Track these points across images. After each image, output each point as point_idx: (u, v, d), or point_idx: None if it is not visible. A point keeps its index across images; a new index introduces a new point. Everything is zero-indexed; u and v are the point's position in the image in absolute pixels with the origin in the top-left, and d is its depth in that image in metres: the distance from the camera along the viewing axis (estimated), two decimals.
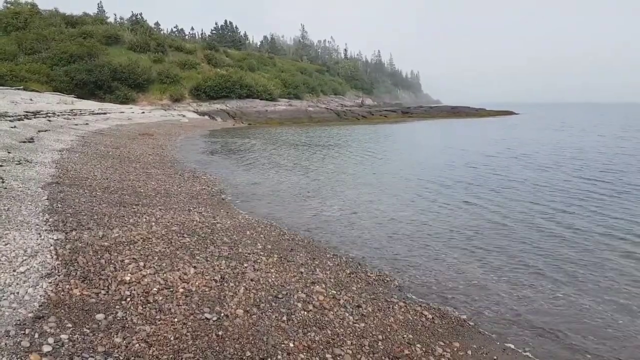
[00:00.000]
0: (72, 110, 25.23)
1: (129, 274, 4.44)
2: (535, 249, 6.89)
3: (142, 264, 4.76)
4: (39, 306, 3.52)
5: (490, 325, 4.55)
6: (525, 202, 10.06)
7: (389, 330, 4.20)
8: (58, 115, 21.21)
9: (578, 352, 4.13)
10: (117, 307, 3.80)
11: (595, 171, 14.38)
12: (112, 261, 4.71)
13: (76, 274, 4.23)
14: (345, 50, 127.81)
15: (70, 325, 3.35)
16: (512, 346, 4.17)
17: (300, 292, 4.69)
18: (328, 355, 3.61)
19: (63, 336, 3.17)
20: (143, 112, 34.58)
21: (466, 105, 75.81)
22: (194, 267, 4.92)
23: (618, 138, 27.92)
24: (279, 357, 3.48)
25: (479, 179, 13.12)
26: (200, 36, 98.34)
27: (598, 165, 15.63)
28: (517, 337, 4.35)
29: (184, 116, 37.43)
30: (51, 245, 4.78)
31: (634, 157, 17.95)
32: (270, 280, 4.91)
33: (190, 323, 3.72)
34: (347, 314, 4.37)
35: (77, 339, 3.19)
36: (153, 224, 6.47)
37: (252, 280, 4.83)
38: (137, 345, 3.28)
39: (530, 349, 4.13)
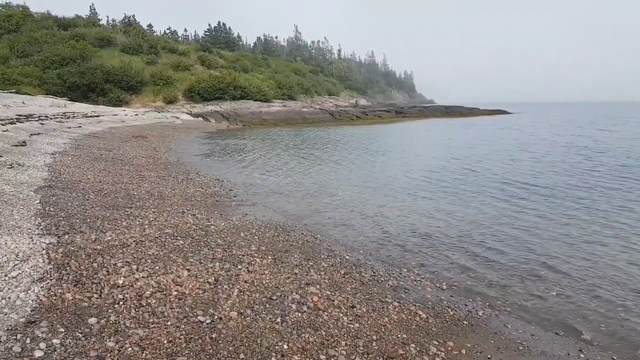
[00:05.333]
0: (64, 113, 25.05)
1: (121, 278, 4.43)
2: (529, 249, 6.94)
3: (135, 267, 4.75)
4: (31, 311, 3.50)
5: (484, 325, 4.57)
6: (516, 200, 10.12)
7: (383, 330, 4.20)
8: (51, 119, 21.06)
9: (573, 350, 4.16)
10: (110, 310, 3.78)
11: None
12: (105, 264, 4.69)
13: (68, 278, 4.21)
14: (339, 50, 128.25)
15: (62, 329, 3.33)
16: (506, 345, 4.20)
17: (294, 294, 4.69)
18: (322, 357, 3.61)
19: (55, 341, 3.16)
20: (136, 114, 34.42)
21: (460, 105, 76.19)
22: (188, 269, 4.90)
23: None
24: (273, 359, 3.48)
25: (477, 179, 13.19)
26: (193, 38, 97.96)
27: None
28: (511, 336, 4.38)
29: (177, 118, 37.28)
30: (43, 249, 4.76)
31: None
32: (264, 282, 4.91)
33: (183, 326, 3.71)
34: (341, 315, 4.37)
35: (69, 343, 3.18)
36: (146, 226, 6.44)
37: (246, 282, 4.83)
38: (130, 349, 3.27)
39: (524, 348, 4.16)
